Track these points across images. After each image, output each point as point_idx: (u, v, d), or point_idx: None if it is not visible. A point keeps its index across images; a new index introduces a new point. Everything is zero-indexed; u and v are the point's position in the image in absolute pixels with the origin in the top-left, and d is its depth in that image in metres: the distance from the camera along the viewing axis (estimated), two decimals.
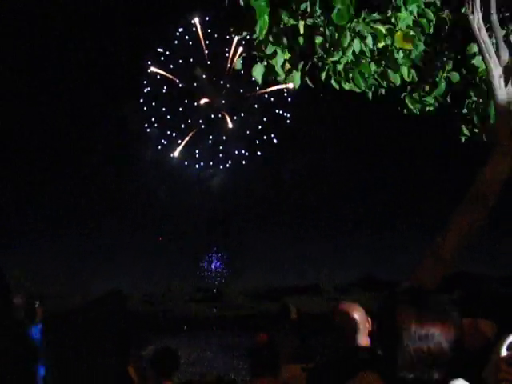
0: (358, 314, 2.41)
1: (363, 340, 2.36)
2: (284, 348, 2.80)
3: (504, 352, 1.84)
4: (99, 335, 1.32)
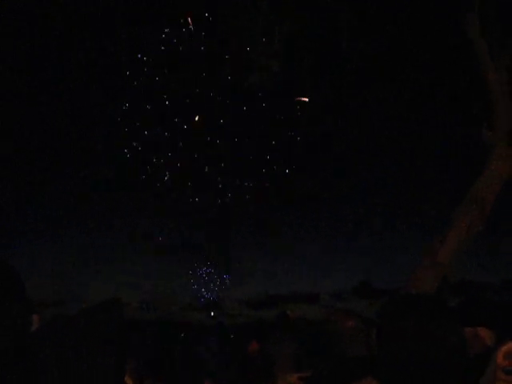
0: (354, 322, 2.40)
1: (360, 348, 2.35)
2: (281, 356, 2.79)
3: (502, 360, 1.83)
4: (96, 342, 1.30)
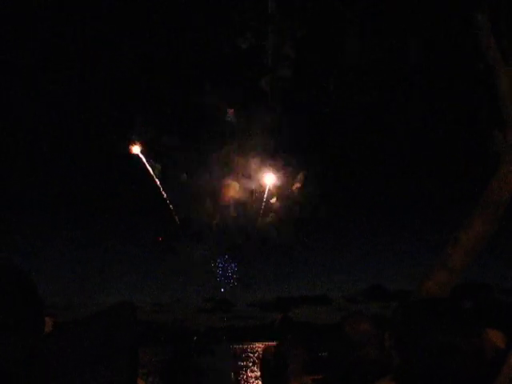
0: (367, 326, 2.39)
1: (373, 351, 2.34)
2: (294, 359, 2.78)
3: None
4: (109, 345, 1.31)
